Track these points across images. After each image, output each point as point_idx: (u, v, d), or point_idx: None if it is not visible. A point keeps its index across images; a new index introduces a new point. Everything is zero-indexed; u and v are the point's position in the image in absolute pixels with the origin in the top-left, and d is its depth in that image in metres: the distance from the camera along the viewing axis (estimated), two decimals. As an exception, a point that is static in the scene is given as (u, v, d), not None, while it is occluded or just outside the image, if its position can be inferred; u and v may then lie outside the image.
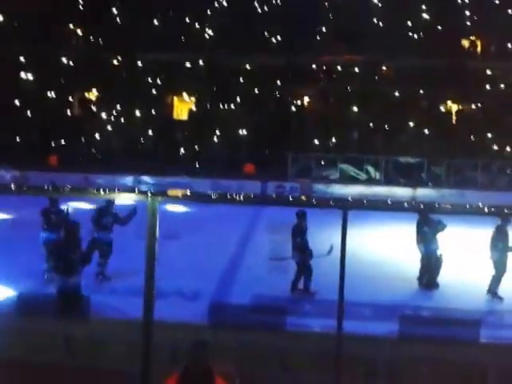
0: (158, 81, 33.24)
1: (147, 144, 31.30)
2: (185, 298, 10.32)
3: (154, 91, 32.96)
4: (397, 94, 31.64)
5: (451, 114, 31.88)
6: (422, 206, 10.08)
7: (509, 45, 32.03)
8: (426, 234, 11.40)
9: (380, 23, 33.04)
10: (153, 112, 32.48)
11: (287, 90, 32.50)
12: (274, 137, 29.47)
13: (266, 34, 33.35)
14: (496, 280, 10.90)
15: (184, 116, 33.82)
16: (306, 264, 10.96)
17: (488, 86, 31.69)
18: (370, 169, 28.43)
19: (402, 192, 26.22)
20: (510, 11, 32.12)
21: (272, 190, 26.52)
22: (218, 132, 31.25)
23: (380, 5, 33.52)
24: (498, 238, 10.92)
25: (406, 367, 5.94)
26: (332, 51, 32.06)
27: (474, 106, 31.70)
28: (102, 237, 11.57)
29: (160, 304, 4.80)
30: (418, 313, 8.88)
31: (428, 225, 11.39)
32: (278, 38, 33.37)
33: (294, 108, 32.56)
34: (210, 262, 13.01)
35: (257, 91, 32.41)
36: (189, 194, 5.82)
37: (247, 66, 33.15)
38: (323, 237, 11.48)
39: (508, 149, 29.24)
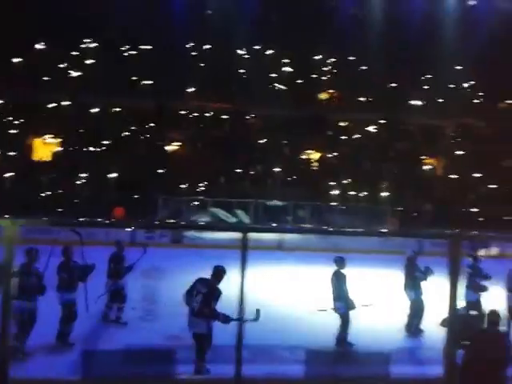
0: (18, 121, 31.59)
1: (6, 186, 29.39)
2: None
3: (13, 131, 31.23)
4: (262, 141, 33.06)
5: (312, 161, 33.93)
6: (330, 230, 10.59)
7: (361, 98, 35.02)
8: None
9: (246, 74, 34.56)
10: (12, 153, 30.67)
11: (158, 134, 32.58)
12: (143, 180, 29.22)
13: (134, 77, 33.34)
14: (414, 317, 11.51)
15: (48, 158, 32.36)
16: None
17: (343, 136, 34.28)
18: (240, 212, 29.07)
19: (269, 236, 26.96)
20: (363, 67, 35.16)
21: (141, 236, 25.94)
22: (84, 174, 30.27)
23: (247, 56, 35.18)
24: (409, 278, 11.65)
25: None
26: (201, 98, 32.90)
27: (331, 155, 33.96)
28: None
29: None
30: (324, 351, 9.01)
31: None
32: (148, 81, 33.49)
33: (163, 152, 32.64)
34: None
35: (126, 134, 32.09)
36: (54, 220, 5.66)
37: (116, 108, 32.80)
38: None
39: (355, 193, 31.34)
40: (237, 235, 22.24)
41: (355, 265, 14.79)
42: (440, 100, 35.62)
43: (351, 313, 10.77)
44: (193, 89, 33.51)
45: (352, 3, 36.75)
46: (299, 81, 34.59)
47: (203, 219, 29.13)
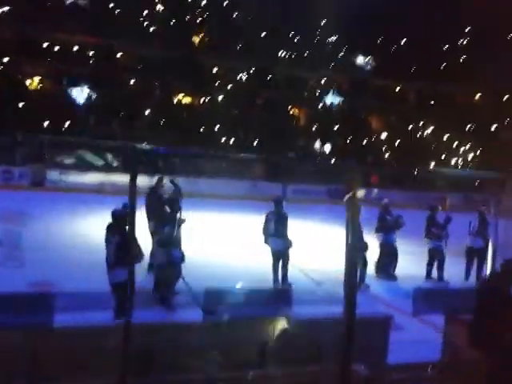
0: None
1: None
2: None
3: None
4: (132, 82, 32.03)
5: (183, 105, 33.69)
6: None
7: (237, 46, 35.11)
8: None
9: (116, 8, 32.87)
10: None
11: (16, 67, 30.05)
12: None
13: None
14: None
15: None
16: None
17: (216, 83, 34.32)
18: (109, 155, 28.23)
19: (140, 180, 26.61)
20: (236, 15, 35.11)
21: (-1, 176, 24.19)
22: None
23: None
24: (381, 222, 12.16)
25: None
26: (67, 30, 30.74)
27: (203, 100, 33.99)
28: None
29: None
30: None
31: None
32: (6, 7, 30.48)
33: (23, 86, 30.31)
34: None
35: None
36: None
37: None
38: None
39: (232, 140, 32.21)
40: (103, 178, 21.33)
41: (228, 210, 15.39)
42: (306, 53, 36.94)
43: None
44: (58, 20, 31.14)
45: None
46: (172, 21, 33.72)
47: (68, 161, 27.92)
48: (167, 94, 32.72)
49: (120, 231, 7.79)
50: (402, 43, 40.01)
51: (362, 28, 34.71)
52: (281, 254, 10.64)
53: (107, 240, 8.05)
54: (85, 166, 27.19)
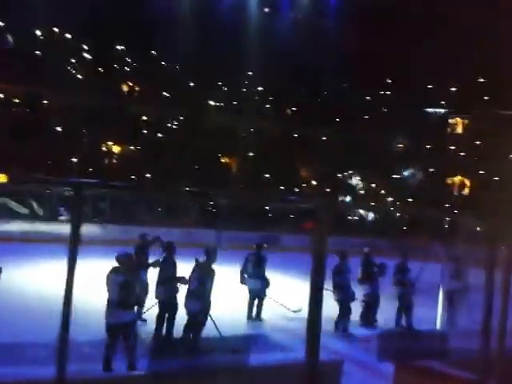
0: None
1: None
2: None
3: None
4: (60, 129, 31.31)
5: (112, 152, 33.18)
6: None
7: (164, 93, 35.33)
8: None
9: (44, 56, 32.36)
10: None
11: None
12: None
13: None
14: None
15: None
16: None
17: (145, 130, 34.21)
18: (34, 203, 27.06)
19: (65, 228, 25.47)
20: (163, 63, 35.48)
21: None
22: None
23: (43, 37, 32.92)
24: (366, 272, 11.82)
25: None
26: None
27: (132, 147, 33.67)
28: None
29: None
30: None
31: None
32: None
33: None
34: None
35: None
36: None
37: None
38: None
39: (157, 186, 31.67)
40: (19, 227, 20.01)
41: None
42: (235, 102, 37.73)
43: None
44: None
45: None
46: (100, 69, 33.56)
47: (-9, 209, 26.49)
48: (95, 142, 32.16)
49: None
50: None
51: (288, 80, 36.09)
52: (258, 293, 11.20)
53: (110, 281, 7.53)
54: (8, 215, 25.92)
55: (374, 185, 40.30)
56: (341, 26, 37.20)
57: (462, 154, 40.99)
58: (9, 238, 22.34)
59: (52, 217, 26.73)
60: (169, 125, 35.16)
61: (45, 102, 32.11)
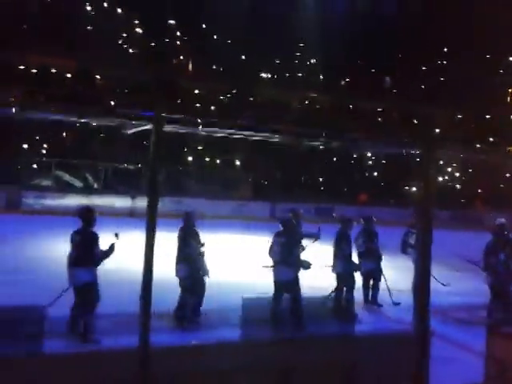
0: None
1: None
2: None
3: None
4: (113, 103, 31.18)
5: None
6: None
7: (214, 66, 34.75)
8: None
9: (94, 31, 32.24)
10: None
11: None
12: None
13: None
14: None
15: None
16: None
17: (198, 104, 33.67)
18: (88, 176, 27.18)
19: (120, 202, 25.48)
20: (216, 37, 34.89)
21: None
22: None
23: (94, 13, 32.85)
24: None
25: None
26: (43, 51, 29.92)
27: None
28: None
29: None
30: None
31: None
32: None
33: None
34: None
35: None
36: None
37: None
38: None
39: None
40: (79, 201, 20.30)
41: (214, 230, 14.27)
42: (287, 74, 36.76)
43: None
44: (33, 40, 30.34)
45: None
46: (151, 44, 33.25)
47: (46, 183, 26.83)
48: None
49: None
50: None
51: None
52: (287, 286, 8.67)
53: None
54: (63, 188, 26.17)
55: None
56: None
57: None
58: (63, 211, 22.47)
59: (107, 190, 26.87)
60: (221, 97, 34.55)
61: (97, 76, 32.07)
